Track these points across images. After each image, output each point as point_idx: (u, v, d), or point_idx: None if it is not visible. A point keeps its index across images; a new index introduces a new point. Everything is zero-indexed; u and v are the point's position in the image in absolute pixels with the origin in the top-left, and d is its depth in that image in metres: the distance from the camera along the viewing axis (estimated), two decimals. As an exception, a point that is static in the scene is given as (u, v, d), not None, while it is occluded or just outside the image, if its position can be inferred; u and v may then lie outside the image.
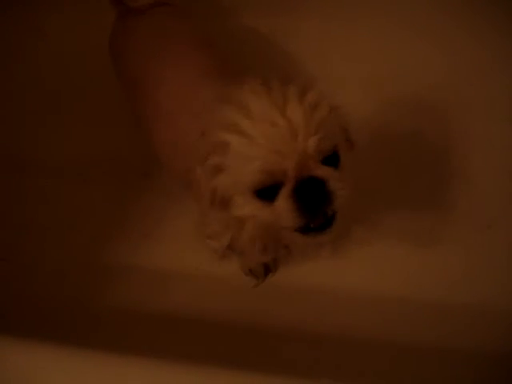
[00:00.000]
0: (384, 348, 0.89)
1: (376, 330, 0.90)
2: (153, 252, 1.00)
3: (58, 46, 1.23)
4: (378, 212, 0.99)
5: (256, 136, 0.63)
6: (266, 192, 0.66)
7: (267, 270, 0.95)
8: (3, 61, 1.22)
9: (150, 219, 1.03)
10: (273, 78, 0.68)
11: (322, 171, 0.65)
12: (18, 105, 1.19)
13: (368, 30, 1.22)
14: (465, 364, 0.86)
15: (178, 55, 0.90)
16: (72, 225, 1.04)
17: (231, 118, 0.65)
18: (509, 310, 0.92)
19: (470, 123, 1.12)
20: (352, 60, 1.19)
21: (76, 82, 1.19)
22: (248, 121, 0.64)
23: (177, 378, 0.66)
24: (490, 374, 0.84)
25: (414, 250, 0.98)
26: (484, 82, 1.15)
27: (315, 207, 0.66)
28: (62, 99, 1.19)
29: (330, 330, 0.91)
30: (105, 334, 0.87)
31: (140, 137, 0.97)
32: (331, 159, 0.67)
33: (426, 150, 1.10)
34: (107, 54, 1.01)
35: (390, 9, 1.22)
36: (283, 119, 0.63)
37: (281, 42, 1.22)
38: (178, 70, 0.88)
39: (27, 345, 0.69)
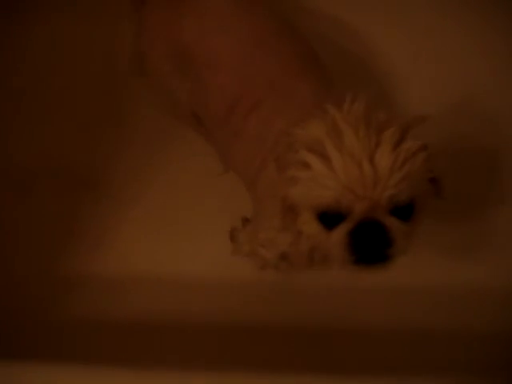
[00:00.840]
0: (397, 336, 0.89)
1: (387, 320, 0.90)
2: (107, 259, 1.00)
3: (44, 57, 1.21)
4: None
5: (338, 169, 0.62)
6: (328, 219, 0.65)
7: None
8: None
9: (100, 227, 1.02)
10: (372, 101, 0.65)
11: (388, 221, 0.63)
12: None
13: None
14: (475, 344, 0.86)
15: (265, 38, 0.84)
16: (20, 237, 1.02)
17: (320, 140, 0.63)
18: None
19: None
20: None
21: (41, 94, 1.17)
22: (336, 151, 0.62)
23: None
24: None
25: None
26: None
27: (369, 250, 0.65)
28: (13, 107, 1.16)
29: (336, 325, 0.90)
30: (68, 345, 0.88)
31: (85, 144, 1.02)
32: (405, 210, 0.64)
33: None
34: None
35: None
36: (369, 165, 0.61)
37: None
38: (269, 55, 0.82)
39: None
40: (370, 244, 0.64)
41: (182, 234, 1.02)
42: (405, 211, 0.64)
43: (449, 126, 1.03)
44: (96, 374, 0.73)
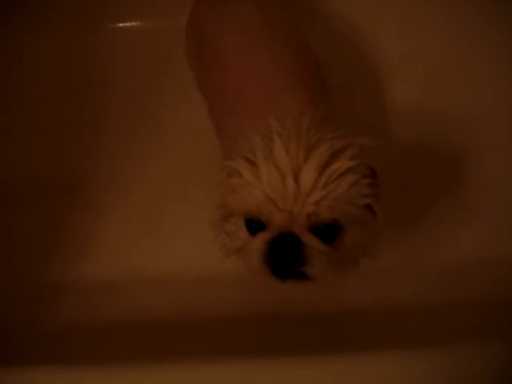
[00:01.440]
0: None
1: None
2: (92, 265, 1.00)
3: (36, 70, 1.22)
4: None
5: (264, 179, 0.63)
6: (253, 227, 0.67)
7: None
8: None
9: (81, 234, 1.03)
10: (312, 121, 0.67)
11: (305, 238, 0.64)
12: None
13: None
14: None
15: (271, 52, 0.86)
16: (2, 248, 1.01)
17: (255, 150, 0.65)
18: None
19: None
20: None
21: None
22: (264, 162, 0.64)
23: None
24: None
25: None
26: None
27: (283, 263, 0.65)
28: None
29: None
30: (57, 350, 0.86)
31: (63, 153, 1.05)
32: (328, 231, 0.65)
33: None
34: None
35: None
36: (293, 180, 0.62)
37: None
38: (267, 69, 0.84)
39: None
40: (285, 257, 0.64)
41: (164, 236, 1.02)
42: (328, 232, 0.65)
43: (412, 123, 1.07)
44: (89, 375, 0.71)
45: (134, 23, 1.24)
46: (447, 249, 0.98)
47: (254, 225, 0.67)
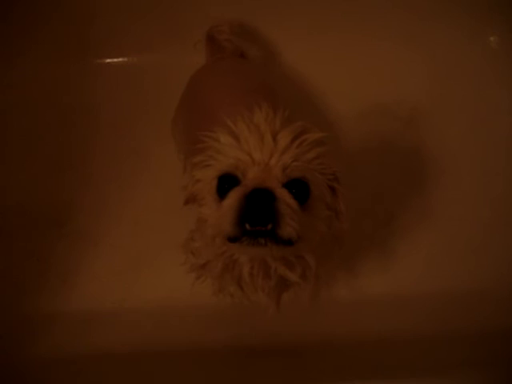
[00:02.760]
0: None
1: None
2: (72, 297, 1.01)
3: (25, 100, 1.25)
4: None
5: (242, 139, 0.69)
6: (225, 189, 0.68)
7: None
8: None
9: (67, 265, 1.04)
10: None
11: (280, 192, 0.66)
12: None
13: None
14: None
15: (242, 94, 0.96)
16: None
17: (235, 125, 0.71)
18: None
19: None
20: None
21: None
22: (244, 126, 0.69)
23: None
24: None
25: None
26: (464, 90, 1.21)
27: (257, 219, 0.65)
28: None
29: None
30: (47, 380, 0.89)
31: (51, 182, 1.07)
32: (299, 192, 0.68)
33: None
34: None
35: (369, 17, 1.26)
36: (271, 138, 0.68)
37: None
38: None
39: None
40: (259, 212, 0.64)
41: (149, 267, 1.04)
42: (299, 193, 0.68)
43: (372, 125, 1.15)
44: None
45: (121, 59, 1.28)
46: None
47: (227, 186, 0.68)
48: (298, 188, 0.68)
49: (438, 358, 0.89)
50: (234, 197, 0.66)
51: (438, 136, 1.17)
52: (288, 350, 0.92)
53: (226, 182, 0.68)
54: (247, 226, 0.64)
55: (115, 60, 1.28)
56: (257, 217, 0.65)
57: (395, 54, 1.24)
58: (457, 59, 1.24)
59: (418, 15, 1.24)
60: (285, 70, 1.26)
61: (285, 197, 0.66)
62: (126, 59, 1.28)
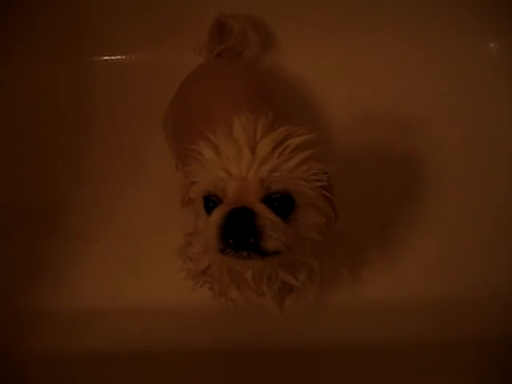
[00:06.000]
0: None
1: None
2: (63, 294, 1.01)
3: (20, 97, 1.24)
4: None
5: (222, 155, 0.67)
6: (210, 207, 0.69)
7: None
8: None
9: (61, 262, 1.04)
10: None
11: (258, 208, 0.65)
12: None
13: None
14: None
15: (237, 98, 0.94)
16: None
17: (215, 137, 0.70)
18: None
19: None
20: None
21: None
22: (223, 139, 0.68)
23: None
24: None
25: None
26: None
27: (239, 236, 0.65)
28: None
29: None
30: (39, 378, 0.88)
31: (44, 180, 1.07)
32: (282, 204, 0.67)
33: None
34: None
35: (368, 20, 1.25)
36: (249, 150, 0.66)
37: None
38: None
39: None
40: (239, 229, 0.65)
41: (142, 265, 1.03)
42: (282, 207, 0.66)
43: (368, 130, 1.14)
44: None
45: (118, 57, 1.28)
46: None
47: (212, 204, 0.68)
48: (280, 200, 0.67)
49: (437, 365, 0.89)
50: (216, 215, 0.66)
51: (435, 141, 1.16)
52: (285, 355, 0.92)
53: (210, 201, 0.69)
54: (230, 241, 0.65)
55: (113, 58, 1.27)
56: (238, 233, 0.65)
57: (393, 58, 1.24)
58: (456, 65, 1.24)
59: (417, 21, 1.24)
60: (281, 72, 1.26)
61: (263, 212, 0.65)
62: (123, 57, 1.27)
